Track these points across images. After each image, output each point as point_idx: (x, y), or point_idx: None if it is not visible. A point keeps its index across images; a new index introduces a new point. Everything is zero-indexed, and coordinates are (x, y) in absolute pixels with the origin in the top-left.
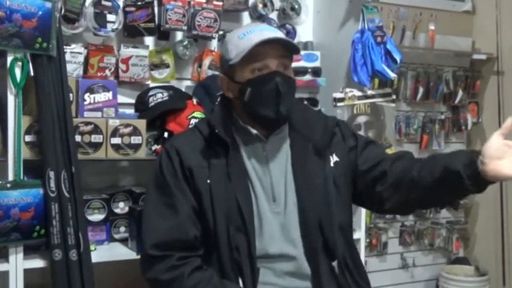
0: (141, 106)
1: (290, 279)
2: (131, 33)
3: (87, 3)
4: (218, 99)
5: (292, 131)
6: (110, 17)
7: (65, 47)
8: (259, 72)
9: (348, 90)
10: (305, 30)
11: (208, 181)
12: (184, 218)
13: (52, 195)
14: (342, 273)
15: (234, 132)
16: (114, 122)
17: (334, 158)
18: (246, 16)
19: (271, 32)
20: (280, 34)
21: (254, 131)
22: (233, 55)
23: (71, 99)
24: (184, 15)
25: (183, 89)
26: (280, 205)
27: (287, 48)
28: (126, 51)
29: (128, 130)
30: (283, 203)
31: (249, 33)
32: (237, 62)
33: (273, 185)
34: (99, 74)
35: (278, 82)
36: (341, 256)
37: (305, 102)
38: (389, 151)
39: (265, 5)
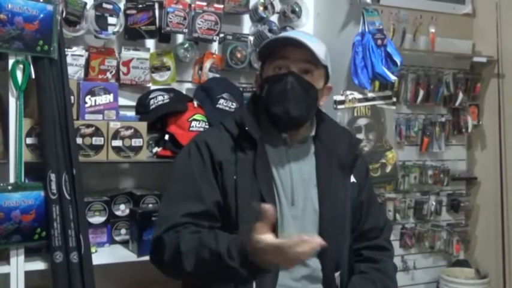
0: (142, 108)
1: (305, 282)
2: (132, 35)
3: (88, 6)
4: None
5: (317, 141)
6: (111, 20)
7: (66, 49)
8: (279, 71)
9: (348, 92)
10: None
11: (235, 177)
12: (210, 206)
13: (53, 197)
14: (341, 284)
15: (261, 131)
16: (115, 125)
17: (352, 179)
18: (246, 19)
19: (300, 37)
20: (311, 41)
21: (280, 133)
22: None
23: (72, 101)
24: (185, 18)
25: (184, 92)
26: (298, 209)
27: (313, 55)
28: (127, 53)
29: (128, 132)
30: (301, 208)
31: (281, 35)
32: (258, 58)
33: (293, 189)
34: (100, 77)
35: (289, 82)
36: (345, 268)
37: None
38: (389, 154)
39: (265, 8)
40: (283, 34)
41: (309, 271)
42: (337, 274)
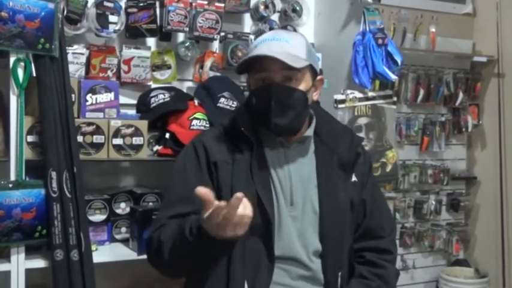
0: (143, 107)
1: (303, 282)
2: (133, 34)
3: (89, 4)
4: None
5: (318, 141)
6: (112, 18)
7: (67, 47)
8: (263, 83)
9: (349, 92)
10: (306, 32)
11: (231, 177)
12: (200, 206)
13: (54, 195)
14: (341, 285)
15: (260, 133)
16: (115, 123)
17: (353, 178)
18: (247, 18)
19: (277, 46)
20: (287, 42)
21: (276, 136)
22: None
23: (73, 99)
24: (186, 17)
25: (185, 90)
26: (297, 210)
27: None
28: (128, 52)
29: (129, 131)
30: (300, 209)
31: (261, 43)
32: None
33: (292, 189)
34: (101, 75)
35: (273, 95)
36: (345, 269)
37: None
38: (389, 153)
39: (266, 7)
40: (257, 49)
41: (310, 272)
42: (339, 274)
